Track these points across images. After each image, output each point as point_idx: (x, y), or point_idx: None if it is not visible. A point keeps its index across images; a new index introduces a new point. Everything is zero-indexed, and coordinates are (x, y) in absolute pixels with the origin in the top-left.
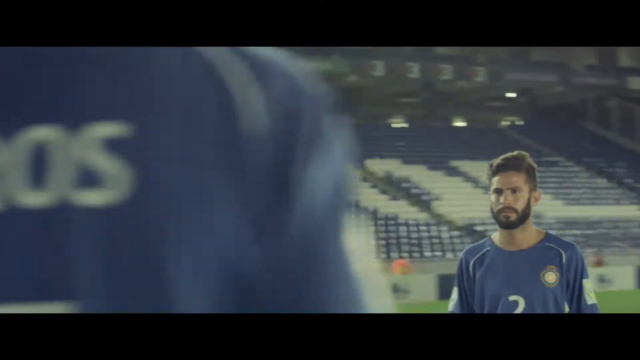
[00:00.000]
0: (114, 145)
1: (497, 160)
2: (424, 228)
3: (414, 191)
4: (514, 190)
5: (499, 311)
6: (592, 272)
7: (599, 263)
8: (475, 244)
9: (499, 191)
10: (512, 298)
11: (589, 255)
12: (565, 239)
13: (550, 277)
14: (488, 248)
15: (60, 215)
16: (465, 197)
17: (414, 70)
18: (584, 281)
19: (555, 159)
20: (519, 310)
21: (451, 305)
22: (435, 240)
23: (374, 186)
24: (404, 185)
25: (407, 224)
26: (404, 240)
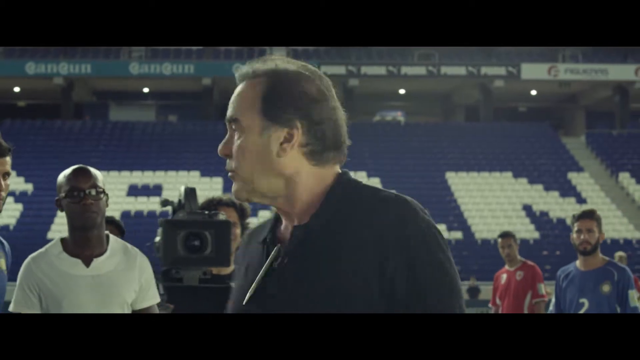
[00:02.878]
0: None
1: (577, 212)
2: None
3: None
4: (590, 231)
5: (573, 309)
6: None
7: None
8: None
9: (579, 231)
10: (581, 300)
11: None
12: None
13: (606, 288)
14: (572, 269)
15: None
16: None
17: None
18: (630, 292)
19: None
20: (584, 309)
21: (551, 306)
22: None
23: None
24: None
25: None
26: None
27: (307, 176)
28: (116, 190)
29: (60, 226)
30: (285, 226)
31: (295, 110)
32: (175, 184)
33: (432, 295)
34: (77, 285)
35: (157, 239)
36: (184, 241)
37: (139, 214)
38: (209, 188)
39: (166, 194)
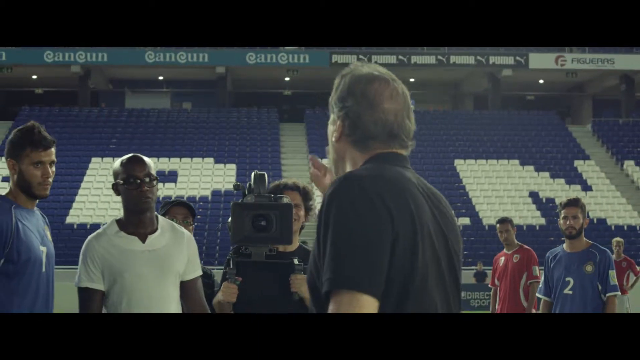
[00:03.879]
0: None
1: (564, 200)
2: None
3: None
4: (574, 217)
5: (559, 287)
6: None
7: None
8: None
9: (565, 218)
10: (567, 279)
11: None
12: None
13: (589, 267)
14: (559, 251)
15: None
16: None
17: None
18: (610, 271)
19: None
20: (570, 286)
21: (540, 284)
22: None
23: None
24: None
25: None
26: None
27: (353, 160)
28: None
29: (78, 211)
30: None
31: (342, 107)
32: (189, 170)
33: (320, 251)
34: (136, 259)
35: (230, 219)
36: (252, 221)
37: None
38: (222, 174)
39: (181, 180)
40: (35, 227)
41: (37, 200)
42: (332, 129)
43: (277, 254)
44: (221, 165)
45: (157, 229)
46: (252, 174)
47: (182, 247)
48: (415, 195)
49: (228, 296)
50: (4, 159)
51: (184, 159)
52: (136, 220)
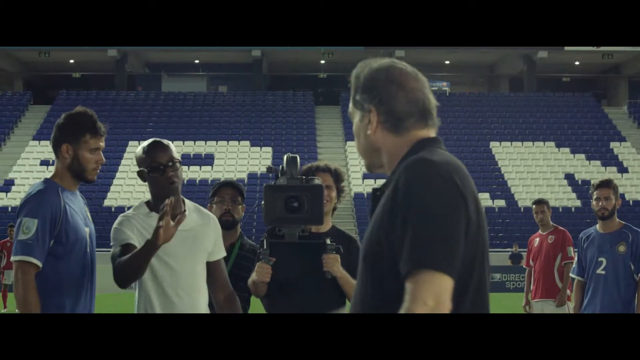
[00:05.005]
0: None
1: (596, 181)
2: None
3: None
4: (607, 198)
5: (592, 267)
6: None
7: None
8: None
9: (598, 199)
10: (600, 259)
11: None
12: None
13: (622, 248)
14: (592, 232)
15: None
16: None
17: None
18: None
19: None
20: (603, 266)
21: (574, 264)
22: None
23: None
24: None
25: None
26: None
27: (392, 148)
28: None
29: (115, 194)
30: None
31: (373, 96)
32: (226, 153)
33: (403, 232)
34: None
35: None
36: (284, 203)
37: (191, 182)
38: (258, 157)
39: (217, 164)
40: (79, 209)
41: (80, 183)
42: (363, 124)
43: (310, 235)
44: (257, 148)
45: (184, 210)
46: (285, 157)
47: (209, 228)
48: (472, 180)
49: (262, 276)
50: (44, 142)
51: (220, 142)
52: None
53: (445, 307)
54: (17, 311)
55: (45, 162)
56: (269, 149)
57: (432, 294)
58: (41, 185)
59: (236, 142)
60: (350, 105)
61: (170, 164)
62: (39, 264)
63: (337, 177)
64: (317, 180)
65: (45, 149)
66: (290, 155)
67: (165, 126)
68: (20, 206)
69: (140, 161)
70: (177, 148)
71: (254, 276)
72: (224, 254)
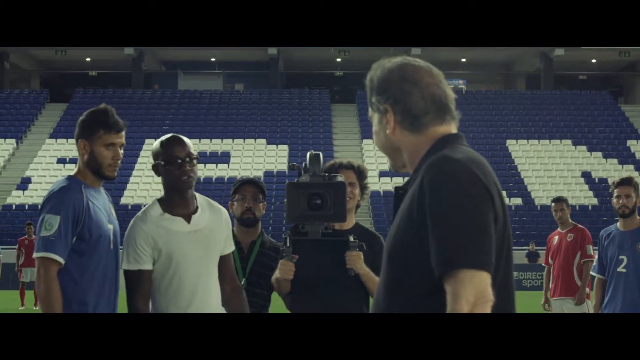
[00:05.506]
0: None
1: (617, 179)
2: None
3: None
4: (627, 196)
5: (613, 265)
6: None
7: None
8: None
9: (618, 197)
10: (620, 257)
11: None
12: None
13: None
14: (613, 229)
15: None
16: None
17: None
18: None
19: None
20: (623, 264)
21: (595, 262)
22: None
23: None
24: None
25: None
26: None
27: (412, 147)
28: None
29: (132, 192)
30: None
31: (387, 96)
32: (242, 151)
33: (438, 232)
34: (184, 241)
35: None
36: (307, 200)
37: (207, 180)
38: (274, 155)
39: (233, 162)
40: (102, 206)
41: (103, 180)
42: (382, 125)
43: (333, 232)
44: (273, 146)
45: (197, 207)
46: (308, 154)
47: (221, 224)
48: (495, 176)
49: (285, 273)
50: (60, 140)
51: (236, 140)
52: (179, 199)
53: (490, 301)
54: (35, 309)
55: (62, 160)
56: (285, 147)
57: (474, 291)
58: (64, 182)
59: (252, 140)
60: (369, 108)
61: (188, 159)
62: (61, 260)
63: (360, 174)
64: (340, 178)
65: (62, 147)
66: (313, 152)
67: (182, 124)
68: (43, 203)
69: (156, 154)
70: (193, 146)
71: (277, 274)
72: (233, 248)
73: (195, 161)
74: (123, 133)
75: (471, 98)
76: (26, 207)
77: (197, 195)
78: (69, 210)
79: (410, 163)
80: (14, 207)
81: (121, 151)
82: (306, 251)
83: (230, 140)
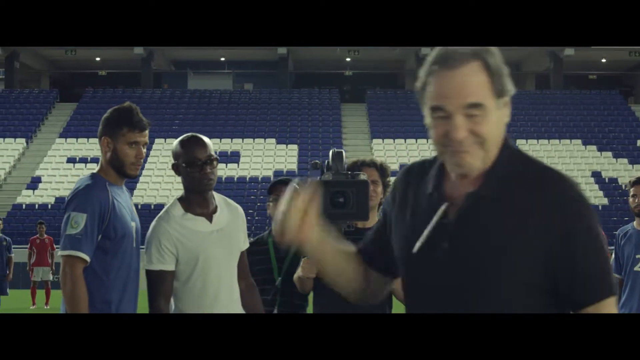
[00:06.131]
0: None
1: (633, 178)
2: None
3: None
4: None
5: (630, 264)
6: None
7: None
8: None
9: (634, 196)
10: (637, 256)
11: None
12: None
13: None
14: (629, 228)
15: None
16: None
17: None
18: None
19: None
20: None
21: (611, 261)
22: None
23: None
24: None
25: None
26: None
27: (497, 141)
28: None
29: (142, 191)
30: (453, 185)
31: (508, 90)
32: (252, 151)
33: (586, 259)
34: (208, 241)
35: None
36: (329, 198)
37: (217, 179)
38: (284, 155)
39: (243, 161)
40: (126, 203)
41: (125, 179)
42: (502, 113)
43: (355, 230)
44: (283, 146)
45: (216, 206)
46: (330, 152)
47: (239, 221)
48: None
49: (307, 272)
50: (70, 139)
51: (246, 140)
52: (200, 200)
53: None
54: (46, 308)
55: (72, 160)
56: (295, 146)
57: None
58: (88, 179)
59: (262, 140)
60: (477, 93)
61: (208, 161)
62: (88, 258)
63: (383, 171)
64: (363, 176)
65: (72, 146)
66: (336, 150)
67: (191, 124)
68: (68, 201)
69: (177, 155)
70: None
71: (299, 272)
72: (248, 244)
73: (215, 162)
74: (146, 132)
75: None
76: (36, 206)
77: (216, 194)
78: (95, 208)
79: (484, 160)
80: (24, 206)
81: (144, 150)
82: None
83: (239, 140)
